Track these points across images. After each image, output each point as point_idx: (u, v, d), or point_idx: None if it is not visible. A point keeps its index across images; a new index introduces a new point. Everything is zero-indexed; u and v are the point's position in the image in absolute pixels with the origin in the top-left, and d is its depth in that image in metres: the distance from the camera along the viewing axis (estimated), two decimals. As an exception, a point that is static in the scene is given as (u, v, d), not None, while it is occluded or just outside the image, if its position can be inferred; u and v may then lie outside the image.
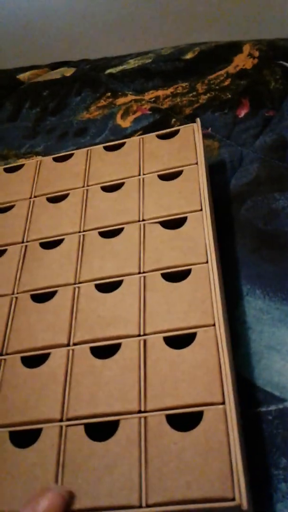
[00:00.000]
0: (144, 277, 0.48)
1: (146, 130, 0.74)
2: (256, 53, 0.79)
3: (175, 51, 0.88)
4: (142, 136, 0.62)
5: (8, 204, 0.61)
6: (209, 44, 0.87)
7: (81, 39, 1.22)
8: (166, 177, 0.56)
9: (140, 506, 0.35)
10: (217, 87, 0.76)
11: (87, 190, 0.59)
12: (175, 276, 0.47)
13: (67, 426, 0.40)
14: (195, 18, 1.19)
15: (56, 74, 0.95)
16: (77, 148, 0.76)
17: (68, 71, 0.95)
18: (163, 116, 0.75)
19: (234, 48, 0.82)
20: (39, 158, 0.68)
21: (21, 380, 0.45)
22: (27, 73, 0.98)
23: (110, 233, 0.53)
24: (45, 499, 0.35)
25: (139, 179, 0.57)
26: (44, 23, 1.26)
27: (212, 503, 0.33)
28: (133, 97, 0.81)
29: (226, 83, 0.76)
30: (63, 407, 0.42)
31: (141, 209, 0.54)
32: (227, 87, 0.75)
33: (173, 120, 0.74)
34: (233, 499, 0.33)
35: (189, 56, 0.85)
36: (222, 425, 0.36)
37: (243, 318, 0.49)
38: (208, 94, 0.75)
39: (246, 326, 0.49)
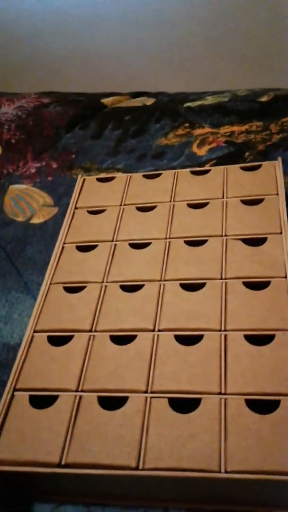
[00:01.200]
0: (226, 282, 0.54)
1: (221, 160, 0.82)
2: None
3: (251, 93, 0.98)
4: (227, 166, 0.70)
5: (100, 208, 0.68)
6: (283, 90, 0.96)
7: (160, 73, 1.34)
8: (248, 202, 0.63)
9: (219, 471, 0.39)
10: (289, 128, 0.84)
11: (174, 204, 0.66)
12: (255, 286, 0.53)
13: (151, 397, 0.46)
14: (270, 64, 1.30)
15: (137, 102, 1.05)
16: (155, 169, 0.84)
17: (149, 101, 1.05)
18: (237, 149, 0.83)
19: None
20: (122, 174, 0.75)
21: (109, 354, 0.50)
22: (111, 98, 1.08)
23: (194, 243, 0.60)
24: None
25: (223, 201, 0.64)
26: (127, 53, 1.39)
27: (287, 476, 0.38)
28: (210, 130, 0.89)
29: (300, 126, 0.84)
30: (148, 381, 0.47)
31: (224, 225, 0.61)
32: (300, 130, 0.83)
33: (246, 153, 0.82)
34: (308, 474, 0.37)
35: (264, 99, 0.94)
36: (299, 412, 0.41)
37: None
38: (281, 134, 0.83)
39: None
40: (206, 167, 0.70)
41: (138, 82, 1.24)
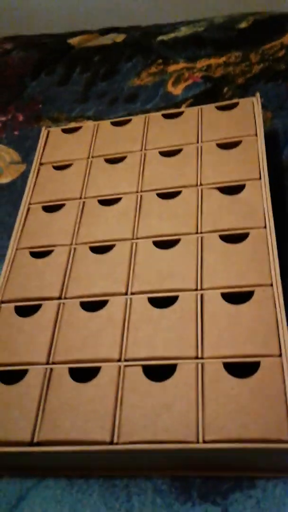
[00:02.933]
0: (202, 237, 0.50)
1: (198, 98, 0.75)
2: None
3: (228, 20, 0.89)
4: (201, 106, 0.63)
5: (66, 163, 0.63)
6: (264, 14, 0.88)
7: (131, 5, 1.22)
8: (225, 146, 0.58)
9: (197, 442, 0.37)
10: (271, 57, 0.77)
11: (145, 154, 0.60)
12: (232, 239, 0.49)
13: (125, 366, 0.43)
14: None
15: (107, 40, 0.96)
16: (128, 114, 0.77)
17: (119, 37, 0.96)
18: (215, 85, 0.77)
19: None
20: (90, 122, 0.69)
21: (81, 322, 0.47)
22: (78, 38, 0.99)
23: (167, 195, 0.55)
24: None
25: (198, 147, 0.59)
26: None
27: (267, 443, 0.36)
28: (185, 65, 0.82)
29: (281, 54, 0.77)
30: (121, 348, 0.44)
31: (199, 174, 0.56)
32: (282, 58, 0.76)
33: (225, 89, 0.75)
34: (288, 441, 0.35)
35: (243, 25, 0.86)
36: (279, 375, 0.39)
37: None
38: (262, 64, 0.76)
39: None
40: (179, 109, 0.64)
41: (107, 16, 1.14)
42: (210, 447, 0.37)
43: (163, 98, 0.78)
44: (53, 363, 0.45)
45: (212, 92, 0.76)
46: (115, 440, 0.39)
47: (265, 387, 0.38)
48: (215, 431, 0.37)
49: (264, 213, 0.50)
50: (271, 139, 0.66)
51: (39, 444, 0.41)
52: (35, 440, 0.41)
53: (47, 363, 0.45)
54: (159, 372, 0.42)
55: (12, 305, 0.50)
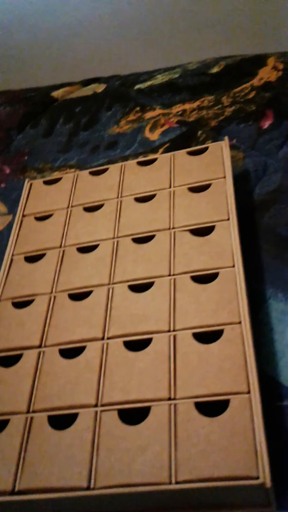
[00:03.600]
0: (174, 279, 0.52)
1: (174, 142, 0.79)
2: (281, 66, 0.84)
3: (201, 65, 0.94)
4: (173, 152, 0.67)
5: (47, 213, 0.66)
6: (235, 57, 0.92)
7: (111, 55, 1.29)
8: (196, 189, 0.60)
9: (170, 483, 0.38)
10: (242, 99, 0.81)
11: (121, 201, 0.63)
12: (203, 279, 0.51)
13: (101, 411, 0.44)
14: (221, 31, 1.25)
15: (88, 91, 1.01)
16: (108, 161, 0.81)
17: (99, 87, 1.01)
18: (190, 128, 0.80)
19: (258, 61, 0.88)
20: (73, 171, 0.73)
21: (59, 370, 0.48)
22: (60, 91, 1.04)
23: (142, 240, 0.58)
24: None
25: (170, 191, 0.62)
26: (75, 41, 1.34)
27: (238, 481, 0.37)
28: (161, 111, 0.86)
29: (251, 95, 0.81)
30: (98, 394, 0.45)
31: (171, 218, 0.58)
32: (252, 100, 0.80)
33: (199, 132, 0.79)
34: (257, 478, 0.36)
35: (215, 70, 0.90)
36: (248, 412, 0.40)
37: (266, 320, 0.52)
38: (233, 107, 0.80)
39: (269, 327, 0.52)
40: (153, 157, 0.67)
41: (89, 68, 1.20)
42: (183, 487, 0.37)
43: (141, 144, 0.82)
44: (34, 411, 0.46)
45: (187, 135, 0.80)
46: (92, 485, 0.40)
47: (235, 425, 0.39)
48: (187, 471, 0.38)
49: (233, 253, 0.52)
50: (243, 178, 0.69)
51: (20, 493, 0.41)
52: (16, 489, 0.42)
53: (28, 412, 0.46)
54: (134, 413, 0.43)
55: (-5, 355, 0.52)
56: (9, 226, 0.76)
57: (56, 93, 1.04)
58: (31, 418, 0.46)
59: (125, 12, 1.32)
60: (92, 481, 0.40)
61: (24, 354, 0.51)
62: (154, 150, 0.80)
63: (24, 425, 0.45)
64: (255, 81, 0.84)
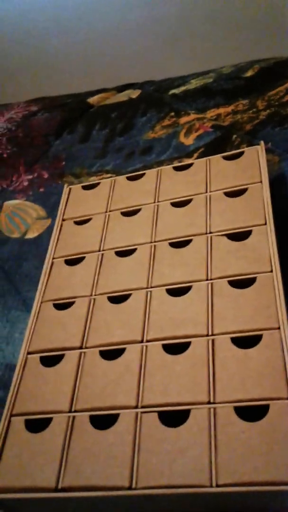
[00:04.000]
0: (212, 283, 0.52)
1: (208, 147, 0.80)
2: None
3: (235, 69, 0.94)
4: (209, 157, 0.67)
5: (86, 218, 0.68)
6: (268, 61, 0.92)
7: (145, 60, 1.31)
8: (232, 194, 0.61)
9: (211, 486, 0.39)
10: (276, 103, 0.81)
11: (157, 205, 0.64)
12: (241, 284, 0.51)
13: (142, 412, 0.45)
14: (253, 34, 1.25)
15: (123, 97, 1.03)
16: (143, 166, 0.82)
17: (134, 93, 1.02)
18: (225, 133, 0.81)
19: None
20: (109, 176, 0.74)
21: (100, 371, 0.50)
22: (96, 97, 1.07)
23: (179, 244, 0.58)
24: None
25: (206, 196, 0.62)
26: (110, 47, 1.37)
27: (278, 486, 0.37)
28: (196, 116, 0.87)
29: (286, 98, 0.80)
30: (138, 395, 0.46)
31: (208, 222, 0.59)
32: (287, 103, 0.79)
33: (234, 136, 0.79)
34: (298, 483, 0.36)
35: (249, 74, 0.90)
36: (287, 417, 0.40)
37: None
38: (268, 110, 0.80)
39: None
40: (188, 162, 0.68)
41: (124, 73, 1.22)
42: (223, 491, 0.38)
43: (176, 149, 0.83)
44: (75, 411, 0.48)
45: (222, 140, 0.80)
46: (134, 485, 0.41)
47: (274, 430, 0.40)
48: (227, 475, 0.39)
49: (270, 258, 0.52)
50: (278, 182, 0.68)
51: (63, 490, 0.43)
52: (60, 486, 0.43)
53: (70, 411, 0.48)
54: (173, 416, 0.44)
55: (38, 355, 0.54)
56: (49, 229, 0.78)
57: (92, 99, 1.06)
58: (73, 418, 0.47)
59: (158, 17, 1.34)
60: (134, 481, 0.41)
61: (66, 355, 0.52)
62: (189, 155, 0.81)
63: (67, 424, 0.47)
64: (290, 84, 0.84)
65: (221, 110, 0.86)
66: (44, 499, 0.43)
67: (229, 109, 0.85)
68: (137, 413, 0.45)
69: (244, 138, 0.78)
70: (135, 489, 0.41)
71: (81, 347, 0.53)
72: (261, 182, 0.60)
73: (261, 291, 0.49)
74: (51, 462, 0.45)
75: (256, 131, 0.78)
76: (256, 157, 0.64)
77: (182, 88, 0.96)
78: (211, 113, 0.86)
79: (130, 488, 0.41)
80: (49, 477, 0.44)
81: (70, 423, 0.47)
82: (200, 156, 0.79)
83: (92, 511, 0.45)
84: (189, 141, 0.83)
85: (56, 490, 0.43)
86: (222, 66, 1.00)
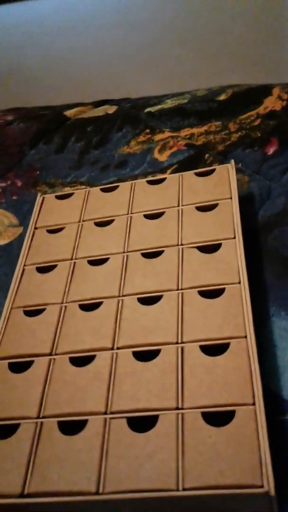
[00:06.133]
0: (182, 293, 0.54)
1: (182, 164, 0.82)
2: (285, 96, 0.88)
3: (209, 93, 0.98)
4: (182, 173, 0.69)
5: (59, 227, 0.68)
6: (241, 86, 0.96)
7: (122, 79, 1.34)
8: (203, 208, 0.63)
9: (177, 490, 0.39)
10: (248, 126, 0.84)
11: (131, 217, 0.66)
12: (210, 294, 0.53)
13: (110, 418, 0.46)
14: (228, 61, 1.31)
15: (99, 112, 1.05)
16: (118, 179, 0.84)
17: (111, 109, 1.04)
18: (197, 151, 0.83)
19: (264, 91, 0.92)
20: (83, 187, 0.75)
21: (69, 377, 0.50)
22: (73, 110, 1.08)
23: (151, 255, 0.60)
24: None
25: (178, 210, 0.64)
26: (87, 63, 1.40)
27: (243, 489, 0.38)
28: (170, 134, 0.89)
29: (257, 123, 0.84)
30: (107, 401, 0.47)
31: (180, 234, 0.61)
32: (257, 127, 0.83)
33: (207, 155, 0.82)
34: (262, 486, 0.37)
35: (222, 97, 0.94)
36: (252, 423, 0.41)
37: (269, 337, 0.54)
38: (240, 133, 0.83)
39: (272, 343, 0.54)
40: (162, 176, 0.70)
41: (101, 90, 1.24)
42: (189, 494, 0.39)
43: (150, 164, 0.85)
44: (43, 417, 0.48)
45: (195, 158, 0.83)
46: (101, 490, 0.41)
47: (240, 435, 0.41)
48: (194, 478, 0.40)
49: (239, 270, 0.54)
50: (247, 201, 0.71)
51: (28, 495, 0.43)
52: (25, 492, 0.43)
53: (38, 417, 0.48)
54: (142, 422, 0.45)
55: (6, 362, 0.54)
56: (20, 237, 0.78)
57: (69, 112, 1.07)
58: (41, 424, 0.47)
59: (135, 38, 1.38)
60: (101, 486, 0.41)
61: (35, 361, 0.52)
62: (163, 171, 0.83)
63: (34, 430, 0.46)
64: (261, 110, 0.88)
65: (195, 130, 0.88)
66: (9, 505, 0.43)
67: (202, 129, 0.88)
68: (105, 419, 0.46)
69: (216, 157, 0.81)
70: (102, 494, 0.41)
71: (50, 354, 0.53)
72: (231, 198, 0.63)
73: (229, 301, 0.51)
74: (17, 468, 0.44)
75: (227, 152, 0.81)
76: (226, 175, 0.66)
77: (158, 107, 0.98)
78: (185, 132, 0.89)
79: (97, 493, 0.41)
80: (14, 482, 0.43)
81: (37, 429, 0.47)
82: (174, 172, 0.81)
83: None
84: (163, 157, 0.85)
85: (21, 496, 0.43)
86: (197, 89, 1.03)
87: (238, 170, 0.77)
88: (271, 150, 0.78)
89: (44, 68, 1.41)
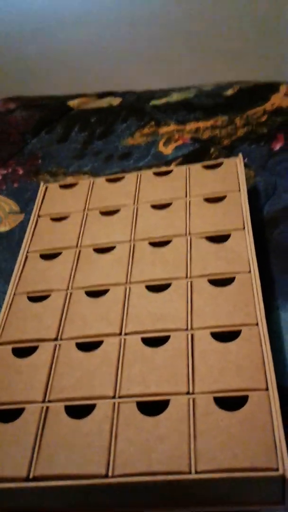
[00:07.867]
0: (191, 281, 0.54)
1: (186, 157, 0.82)
2: None
3: (216, 87, 0.98)
4: (189, 165, 0.69)
5: (63, 215, 0.67)
6: (249, 82, 0.97)
7: (127, 71, 1.34)
8: (211, 200, 0.63)
9: (190, 472, 0.39)
10: (254, 122, 0.85)
11: (137, 207, 0.65)
12: (220, 283, 0.53)
13: (119, 402, 0.45)
14: (237, 57, 1.32)
15: (103, 103, 1.04)
16: (122, 170, 0.83)
17: (115, 101, 1.04)
18: (203, 145, 0.83)
19: (271, 87, 0.92)
20: (86, 177, 0.74)
21: (76, 362, 0.49)
22: (77, 100, 1.07)
23: (159, 244, 0.59)
24: None
25: (186, 201, 0.64)
26: (92, 55, 1.39)
27: (257, 472, 0.38)
28: (175, 127, 0.89)
29: (263, 119, 0.85)
30: (116, 386, 0.46)
31: (188, 225, 0.60)
32: (264, 123, 0.84)
33: (212, 149, 0.82)
34: (277, 469, 0.37)
35: (229, 92, 0.94)
36: (266, 407, 0.41)
37: (274, 329, 0.54)
38: (246, 128, 0.84)
39: (277, 336, 0.54)
40: (169, 168, 0.70)
41: (105, 81, 1.23)
42: (203, 477, 0.38)
43: (154, 157, 0.85)
44: (49, 401, 0.47)
45: (200, 152, 0.83)
46: (110, 473, 0.40)
47: (254, 419, 0.41)
48: (207, 461, 0.39)
49: (249, 259, 0.54)
50: (253, 195, 0.71)
51: (35, 479, 0.42)
52: (31, 475, 0.42)
53: (43, 401, 0.47)
54: (153, 408, 0.44)
55: (10, 346, 0.52)
56: (22, 224, 0.77)
57: (72, 103, 1.06)
58: (47, 408, 0.46)
59: (142, 31, 1.38)
60: (110, 468, 0.40)
61: (40, 346, 0.51)
62: (167, 164, 0.82)
63: (40, 413, 0.45)
64: (268, 106, 0.88)
65: (201, 124, 0.89)
66: (14, 489, 0.42)
67: (208, 124, 0.88)
68: (114, 403, 0.45)
69: (222, 152, 0.81)
70: (112, 477, 0.40)
71: (56, 339, 0.52)
72: (239, 190, 0.63)
73: (239, 289, 0.51)
74: (23, 451, 0.43)
75: (233, 147, 0.81)
76: (234, 168, 0.66)
77: (163, 100, 0.99)
78: (190, 126, 0.89)
79: (106, 476, 0.40)
80: (20, 466, 0.42)
81: (43, 412, 0.46)
82: (178, 165, 0.81)
83: (63, 505, 0.44)
84: (168, 150, 0.85)
85: (27, 479, 0.42)
86: (203, 83, 1.04)
87: (244, 165, 0.77)
88: (277, 146, 0.78)
89: (50, 59, 1.41)
